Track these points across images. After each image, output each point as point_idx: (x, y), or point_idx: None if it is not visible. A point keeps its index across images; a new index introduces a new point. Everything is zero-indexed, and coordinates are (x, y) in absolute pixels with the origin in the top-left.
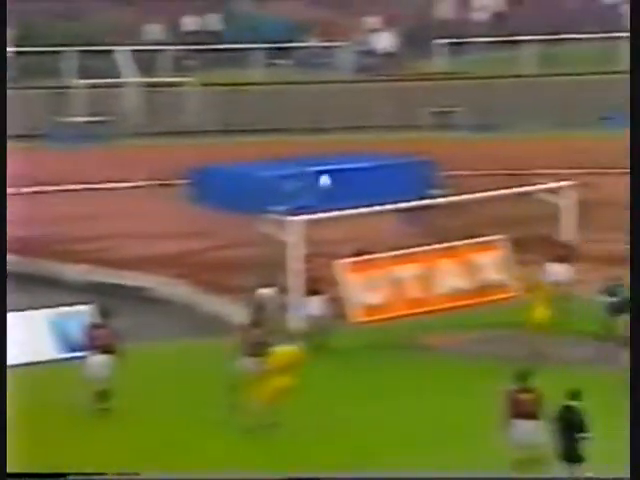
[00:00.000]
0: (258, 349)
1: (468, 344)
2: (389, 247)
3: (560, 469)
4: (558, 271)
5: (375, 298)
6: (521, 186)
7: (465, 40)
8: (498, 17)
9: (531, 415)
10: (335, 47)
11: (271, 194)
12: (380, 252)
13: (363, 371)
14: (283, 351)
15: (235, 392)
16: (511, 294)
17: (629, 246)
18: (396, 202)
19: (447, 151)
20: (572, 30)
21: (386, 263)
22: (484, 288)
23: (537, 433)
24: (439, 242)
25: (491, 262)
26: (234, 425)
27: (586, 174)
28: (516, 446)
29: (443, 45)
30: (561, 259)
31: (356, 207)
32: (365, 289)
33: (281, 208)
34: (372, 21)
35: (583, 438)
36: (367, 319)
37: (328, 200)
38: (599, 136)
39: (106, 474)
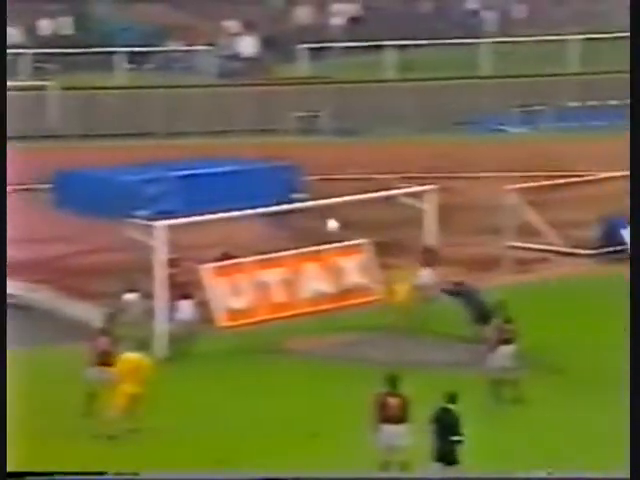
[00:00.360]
0: (106, 357)
1: (333, 347)
2: (254, 251)
3: (435, 470)
4: (422, 275)
5: (240, 302)
6: (384, 190)
7: (326, 45)
8: (356, 22)
9: (398, 419)
10: (197, 51)
11: (134, 199)
12: (245, 256)
13: (228, 376)
14: (129, 358)
15: (91, 399)
16: (375, 297)
17: (629, 245)
18: (260, 206)
19: (311, 155)
20: (432, 35)
21: (251, 267)
22: (348, 291)
23: (404, 437)
24: (304, 246)
25: (355, 266)
26: (93, 432)
27: (447, 178)
28: (384, 449)
29: (305, 50)
30: (424, 263)
31: (220, 211)
32: (230, 293)
33: (144, 213)
34: (232, 25)
35: (458, 440)
36: (233, 323)
37: (192, 204)
38: (459, 141)
39: (105, 473)
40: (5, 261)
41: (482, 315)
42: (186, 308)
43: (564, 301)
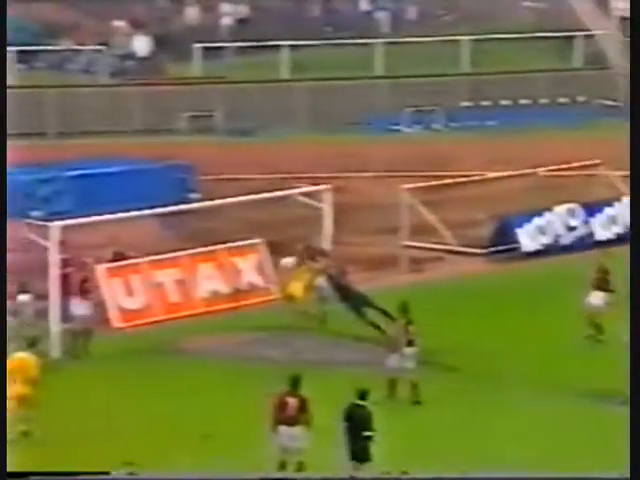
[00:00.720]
0: None
1: (228, 347)
2: (148, 252)
3: (349, 469)
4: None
5: (135, 303)
6: (280, 190)
7: (220, 45)
8: (245, 23)
9: (296, 421)
10: (89, 51)
11: (26, 199)
12: (139, 257)
13: (123, 376)
14: (17, 358)
15: None
16: (271, 297)
17: (629, 246)
18: (154, 206)
19: (205, 155)
20: (326, 36)
21: (145, 268)
22: (244, 291)
23: (300, 438)
24: (198, 246)
25: (250, 265)
26: None
27: (342, 177)
28: (280, 450)
29: (198, 49)
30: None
31: (114, 212)
32: (125, 294)
33: (38, 213)
34: (124, 25)
35: (369, 437)
36: (128, 324)
37: (85, 205)
38: (354, 140)
39: (107, 473)
40: (5, 261)
41: (360, 309)
42: (83, 306)
43: (458, 300)
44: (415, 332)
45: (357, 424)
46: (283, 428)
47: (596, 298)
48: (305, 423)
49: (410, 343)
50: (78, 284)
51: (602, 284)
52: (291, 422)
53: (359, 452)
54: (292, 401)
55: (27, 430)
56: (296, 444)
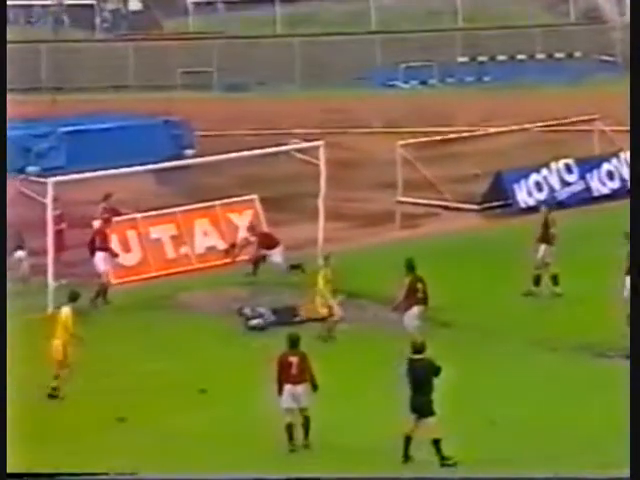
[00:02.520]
0: None
1: (224, 303)
2: (144, 208)
3: (413, 422)
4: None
5: (131, 259)
6: (276, 145)
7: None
8: None
9: (299, 379)
10: (84, 5)
11: (20, 154)
12: (136, 213)
13: (119, 332)
14: (59, 314)
15: None
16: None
17: (629, 244)
18: (150, 162)
19: (201, 111)
20: None
21: (142, 224)
22: (239, 247)
23: (305, 396)
24: (194, 202)
25: (246, 222)
26: None
27: (338, 133)
28: (285, 409)
29: (194, 4)
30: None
31: (109, 168)
32: (121, 250)
33: (31, 168)
34: None
35: (430, 390)
36: (124, 280)
37: (80, 160)
38: (350, 96)
39: (106, 474)
40: (5, 260)
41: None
42: (105, 260)
43: (453, 256)
44: (424, 290)
45: (420, 377)
46: (288, 387)
47: (540, 251)
48: (306, 382)
49: (420, 301)
50: (96, 239)
51: (545, 237)
52: (295, 381)
53: (422, 406)
54: (294, 360)
55: (57, 386)
56: (302, 402)
